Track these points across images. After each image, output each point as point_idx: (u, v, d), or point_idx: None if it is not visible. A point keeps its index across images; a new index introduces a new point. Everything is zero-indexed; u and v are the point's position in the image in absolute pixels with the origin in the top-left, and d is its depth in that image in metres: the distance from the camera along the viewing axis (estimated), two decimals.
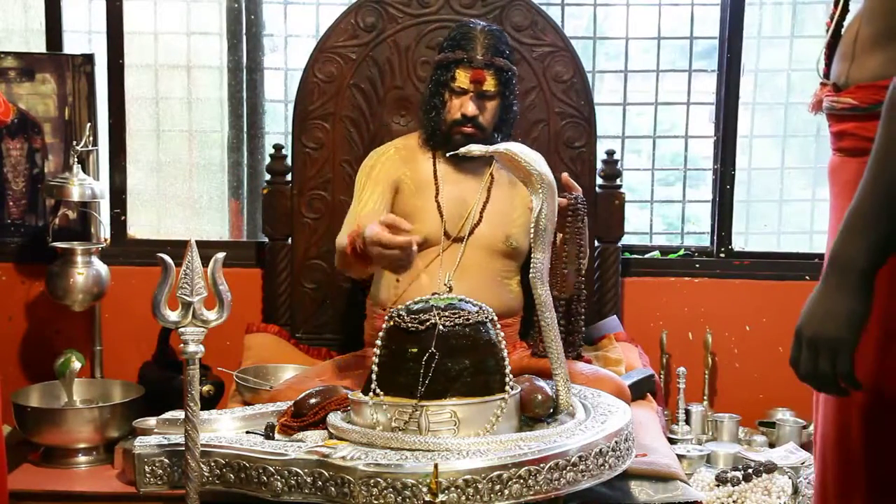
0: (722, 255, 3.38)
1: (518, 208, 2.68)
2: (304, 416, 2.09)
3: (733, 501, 2.76)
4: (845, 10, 1.69)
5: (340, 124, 3.07)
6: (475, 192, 2.66)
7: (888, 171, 1.35)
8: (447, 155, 2.35)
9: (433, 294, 2.07)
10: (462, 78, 2.60)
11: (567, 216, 2.40)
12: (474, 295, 2.13)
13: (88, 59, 3.27)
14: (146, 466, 1.98)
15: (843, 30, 1.67)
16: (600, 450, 1.90)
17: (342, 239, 2.46)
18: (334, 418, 2.04)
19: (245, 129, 3.48)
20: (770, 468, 2.84)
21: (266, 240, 3.19)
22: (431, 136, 2.68)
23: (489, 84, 2.60)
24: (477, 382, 1.94)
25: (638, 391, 2.71)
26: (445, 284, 2.09)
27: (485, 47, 2.60)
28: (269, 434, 2.05)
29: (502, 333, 2.02)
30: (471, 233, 2.63)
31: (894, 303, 1.41)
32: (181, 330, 1.85)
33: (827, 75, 1.73)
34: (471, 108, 2.59)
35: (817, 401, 1.73)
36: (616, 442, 1.94)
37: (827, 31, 1.71)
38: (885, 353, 1.45)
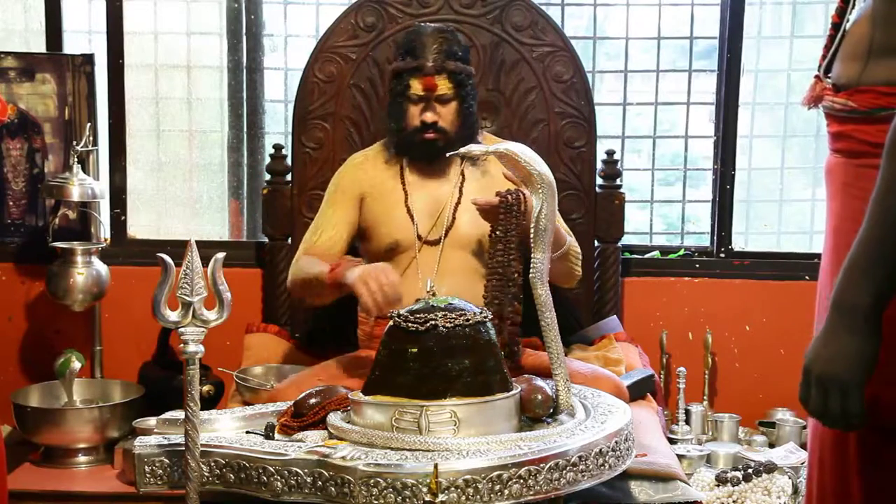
0: (722, 255, 3.38)
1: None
2: (304, 416, 2.09)
3: (733, 501, 2.76)
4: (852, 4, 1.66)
5: (340, 124, 3.07)
6: (447, 193, 2.66)
7: (890, 212, 1.34)
8: (447, 155, 2.33)
9: (417, 300, 2.06)
10: (416, 86, 2.60)
11: (500, 213, 2.40)
12: (458, 295, 2.12)
13: (88, 59, 3.27)
14: (146, 466, 1.98)
15: (847, 24, 1.64)
16: (600, 450, 1.90)
17: (311, 266, 2.54)
18: (334, 418, 2.04)
19: (245, 129, 3.48)
20: (770, 468, 2.84)
21: (266, 240, 3.20)
22: (398, 144, 2.70)
23: (442, 89, 2.60)
24: (477, 382, 1.94)
25: (638, 391, 2.71)
26: (428, 291, 2.07)
27: (435, 52, 2.60)
28: (269, 434, 2.04)
29: None
30: (446, 234, 2.63)
31: (888, 313, 1.41)
32: (181, 330, 1.85)
33: (825, 69, 1.71)
34: (429, 116, 2.61)
35: None
36: (616, 442, 1.94)
37: (832, 25, 1.69)
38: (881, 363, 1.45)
